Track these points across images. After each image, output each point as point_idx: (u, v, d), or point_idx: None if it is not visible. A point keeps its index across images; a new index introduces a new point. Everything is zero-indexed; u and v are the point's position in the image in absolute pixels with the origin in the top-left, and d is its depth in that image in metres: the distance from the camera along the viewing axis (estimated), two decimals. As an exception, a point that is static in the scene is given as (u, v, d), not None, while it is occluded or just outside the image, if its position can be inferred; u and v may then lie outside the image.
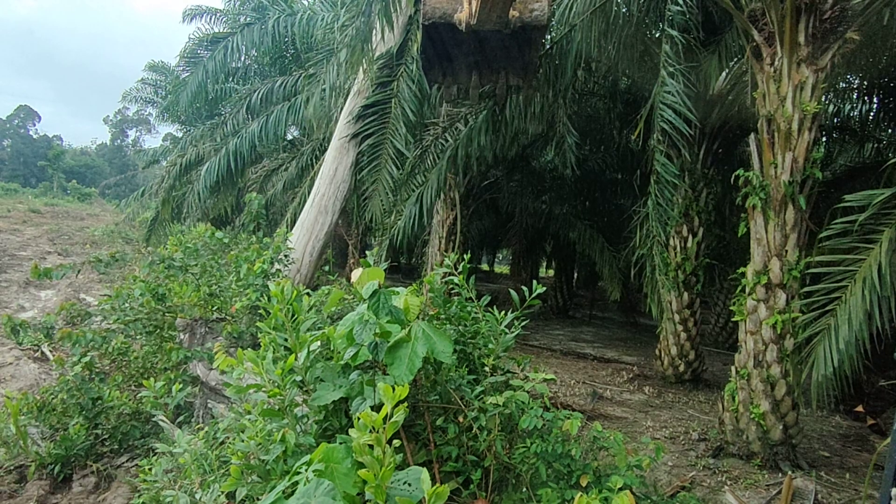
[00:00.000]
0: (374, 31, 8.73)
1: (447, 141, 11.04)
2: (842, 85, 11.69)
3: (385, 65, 9.39)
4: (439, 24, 7.03)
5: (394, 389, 2.66)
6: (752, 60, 7.31)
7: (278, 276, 7.51)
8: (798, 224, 6.90)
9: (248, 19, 17.64)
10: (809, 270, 6.80)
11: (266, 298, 4.14)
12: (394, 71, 9.42)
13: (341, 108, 10.05)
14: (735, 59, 9.48)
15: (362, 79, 9.52)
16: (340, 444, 2.93)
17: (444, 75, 8.66)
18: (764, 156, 7.05)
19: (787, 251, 6.91)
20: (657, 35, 9.39)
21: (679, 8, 7.63)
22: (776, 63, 6.94)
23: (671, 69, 7.41)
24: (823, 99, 7.05)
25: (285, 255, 7.70)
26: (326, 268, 9.16)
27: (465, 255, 5.01)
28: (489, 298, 4.82)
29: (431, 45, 7.76)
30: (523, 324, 4.53)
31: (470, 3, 6.66)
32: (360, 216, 18.30)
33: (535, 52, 7.98)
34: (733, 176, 7.32)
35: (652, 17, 9.10)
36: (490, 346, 4.50)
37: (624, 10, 8.81)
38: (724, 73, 10.00)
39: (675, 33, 7.48)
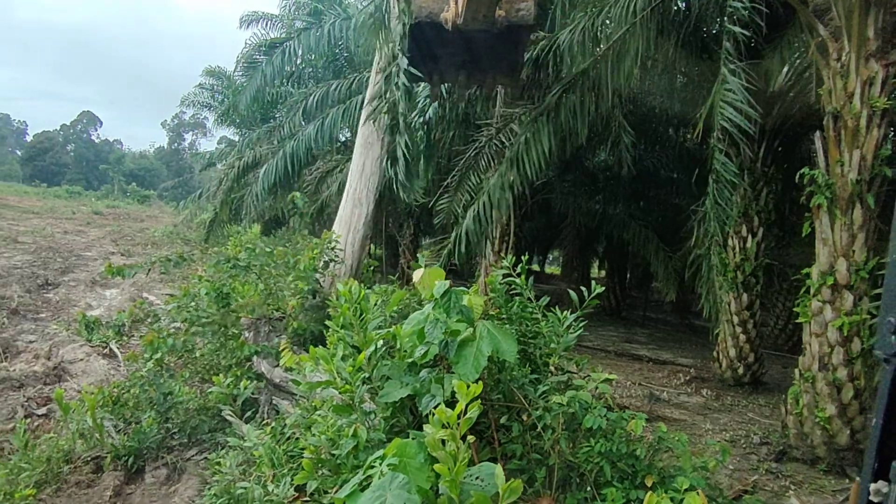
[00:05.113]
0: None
1: (502, 143, 11.05)
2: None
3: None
4: (425, 23, 6.98)
5: (468, 387, 2.72)
6: (817, 56, 7.14)
7: (325, 271, 7.78)
8: (866, 223, 6.70)
9: (304, 24, 17.98)
10: (880, 272, 6.61)
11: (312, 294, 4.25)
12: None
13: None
14: (798, 55, 9.25)
15: (379, 59, 9.57)
16: (412, 439, 3.00)
17: (430, 75, 8.62)
18: (830, 153, 6.87)
19: (854, 251, 6.72)
20: (716, 32, 9.24)
21: (740, 3, 7.48)
22: (843, 58, 6.75)
23: (732, 66, 7.28)
24: (893, 94, 6.83)
25: (335, 252, 7.95)
26: (376, 263, 9.32)
27: (522, 257, 5.04)
28: (548, 299, 4.84)
29: (416, 45, 7.69)
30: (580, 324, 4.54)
31: (456, 3, 6.59)
32: (409, 216, 18.52)
33: (522, 51, 7.88)
34: (798, 174, 7.15)
35: (712, 14, 8.95)
36: (552, 345, 4.52)
37: (683, 6, 8.70)
38: (785, 69, 9.77)
39: (736, 30, 7.34)
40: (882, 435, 1.30)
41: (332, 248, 8.13)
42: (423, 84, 9.82)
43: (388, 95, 8.81)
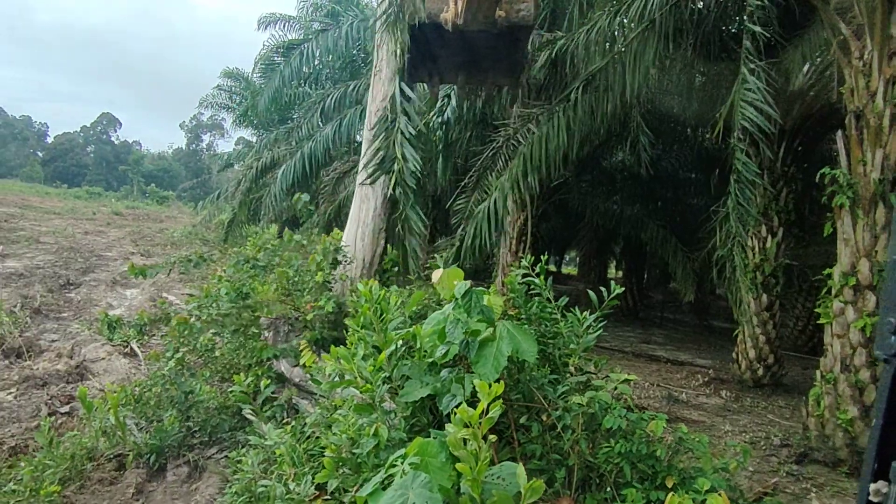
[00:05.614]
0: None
1: (518, 142, 11.02)
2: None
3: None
4: (425, 23, 6.99)
5: (490, 386, 2.73)
6: (839, 54, 7.07)
7: (336, 272, 7.83)
8: (889, 223, 6.63)
9: (322, 25, 18.07)
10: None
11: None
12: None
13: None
14: (819, 53, 9.16)
15: (385, 58, 9.60)
16: (434, 438, 3.02)
17: (430, 75, 8.60)
18: (852, 153, 6.80)
19: (877, 251, 6.65)
20: (735, 31, 9.17)
21: (759, 2, 7.42)
22: (865, 57, 6.69)
23: (752, 66, 7.22)
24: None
25: (343, 255, 8.00)
26: (398, 261, 9.33)
27: (541, 257, 5.03)
28: (567, 299, 4.83)
29: (415, 45, 7.70)
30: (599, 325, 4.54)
31: (455, 3, 6.59)
32: (425, 216, 18.45)
33: (522, 52, 7.85)
34: (819, 174, 7.08)
35: (731, 13, 8.88)
36: (571, 346, 4.51)
37: (701, 6, 8.64)
38: (805, 67, 9.68)
39: (756, 28, 7.28)
40: (882, 435, 1.30)
41: (337, 250, 8.14)
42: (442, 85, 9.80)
43: (390, 156, 8.68)
